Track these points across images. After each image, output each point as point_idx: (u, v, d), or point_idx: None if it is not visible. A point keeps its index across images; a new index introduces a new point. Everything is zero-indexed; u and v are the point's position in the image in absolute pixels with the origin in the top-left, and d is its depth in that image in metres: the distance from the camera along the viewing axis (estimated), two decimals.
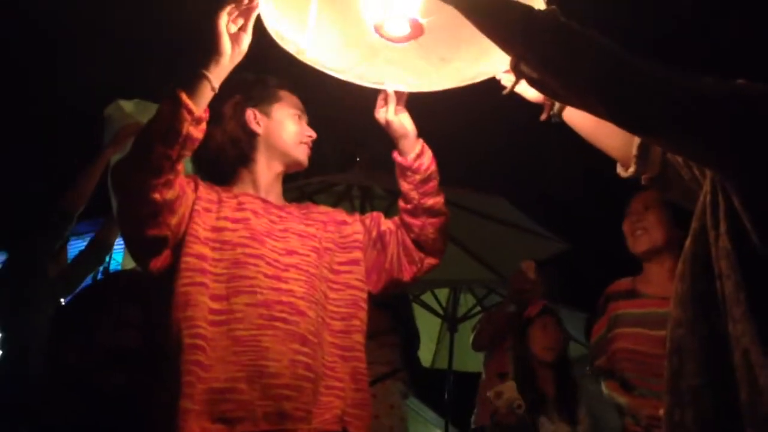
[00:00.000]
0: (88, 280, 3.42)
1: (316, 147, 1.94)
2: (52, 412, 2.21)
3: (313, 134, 1.88)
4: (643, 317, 2.53)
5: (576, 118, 1.63)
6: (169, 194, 1.58)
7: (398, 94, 1.79)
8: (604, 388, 2.60)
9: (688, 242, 1.26)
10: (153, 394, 1.60)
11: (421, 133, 1.85)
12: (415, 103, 1.82)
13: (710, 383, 1.15)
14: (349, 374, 1.69)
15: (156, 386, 1.59)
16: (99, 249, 3.34)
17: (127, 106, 3.25)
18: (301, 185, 4.08)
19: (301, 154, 1.85)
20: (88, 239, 3.42)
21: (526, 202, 4.46)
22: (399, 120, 1.81)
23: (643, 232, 2.59)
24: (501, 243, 4.57)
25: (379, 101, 1.82)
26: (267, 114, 1.85)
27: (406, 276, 1.83)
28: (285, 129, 1.84)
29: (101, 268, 3.97)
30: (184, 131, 1.54)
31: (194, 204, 1.67)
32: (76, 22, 4.73)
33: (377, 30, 1.55)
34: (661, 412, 2.05)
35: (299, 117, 1.87)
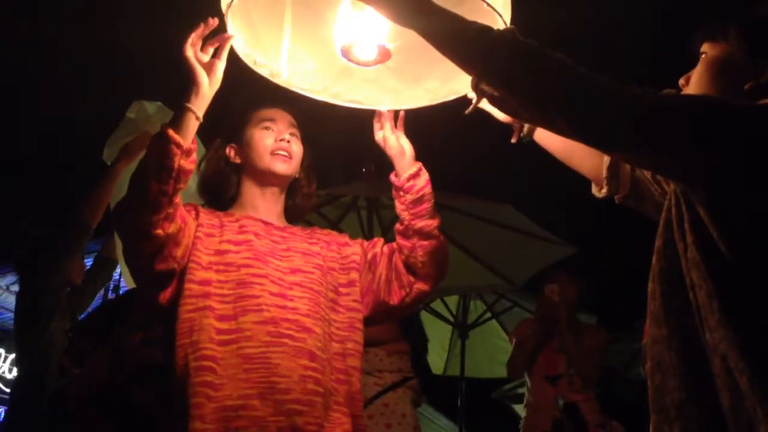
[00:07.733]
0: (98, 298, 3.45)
1: (321, 159, 1.95)
2: (77, 425, 2.23)
3: (285, 136, 1.86)
4: None
5: (547, 139, 1.62)
6: (172, 228, 1.61)
7: (392, 113, 1.81)
8: None
9: (654, 260, 1.26)
10: (165, 416, 1.62)
11: (430, 144, 1.84)
12: (423, 115, 1.82)
13: (692, 395, 1.15)
14: (345, 397, 1.71)
15: (167, 409, 1.61)
16: (105, 266, 3.40)
17: (150, 108, 3.20)
18: None
19: (274, 165, 1.84)
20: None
21: (533, 207, 4.46)
22: (395, 139, 1.83)
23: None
24: (509, 249, 4.57)
25: (375, 122, 1.84)
26: (240, 142, 1.89)
27: (394, 299, 1.81)
28: (254, 148, 1.86)
29: (111, 285, 3.99)
30: (176, 165, 1.57)
31: (196, 231, 1.71)
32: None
33: (345, 55, 1.57)
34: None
35: (267, 128, 1.87)
